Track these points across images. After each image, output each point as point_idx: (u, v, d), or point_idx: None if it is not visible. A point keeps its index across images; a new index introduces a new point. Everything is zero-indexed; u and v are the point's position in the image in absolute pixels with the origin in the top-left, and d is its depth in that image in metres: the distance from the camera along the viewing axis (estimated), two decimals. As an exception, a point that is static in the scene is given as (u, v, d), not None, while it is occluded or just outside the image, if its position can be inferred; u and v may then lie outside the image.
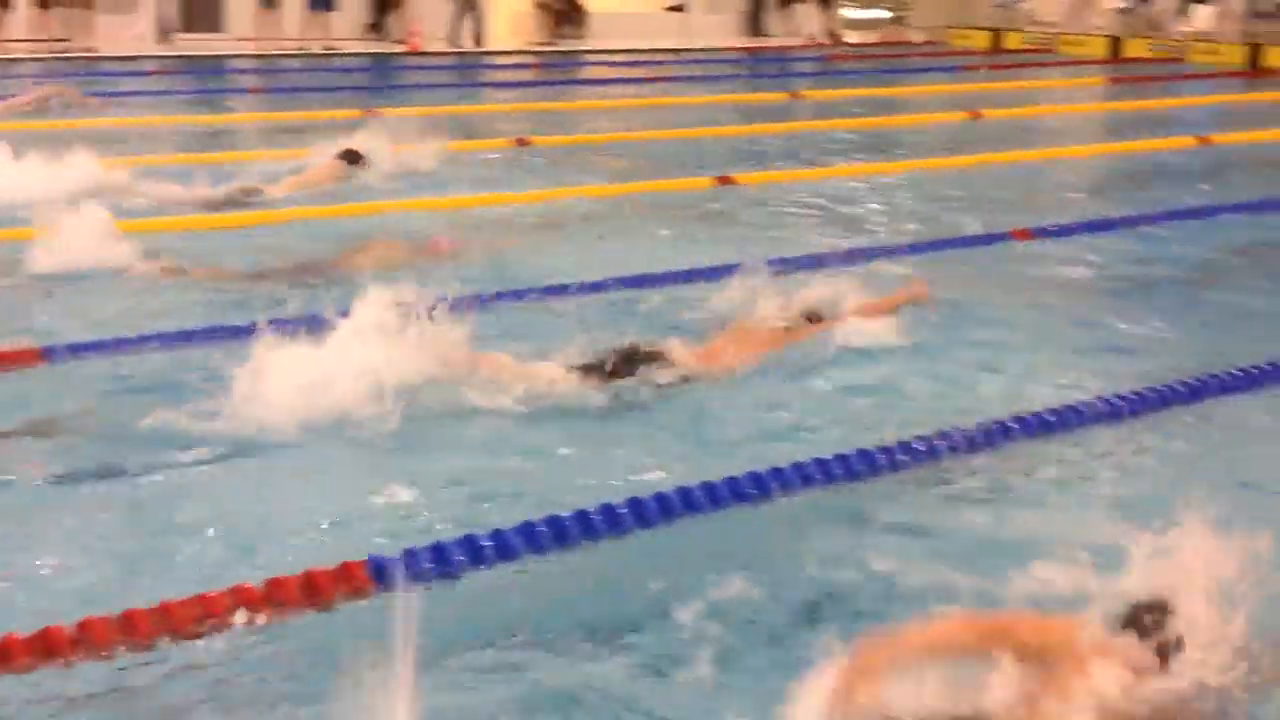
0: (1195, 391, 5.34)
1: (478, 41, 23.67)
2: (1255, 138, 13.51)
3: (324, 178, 9.55)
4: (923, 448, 4.65)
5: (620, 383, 5.32)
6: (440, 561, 3.74)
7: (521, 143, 12.15)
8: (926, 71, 21.85)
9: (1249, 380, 5.50)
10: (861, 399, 5.42)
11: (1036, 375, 5.67)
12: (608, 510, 4.03)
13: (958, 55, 25.28)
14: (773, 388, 5.43)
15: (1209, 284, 7.63)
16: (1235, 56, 23.38)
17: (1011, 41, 26.93)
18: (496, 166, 11.09)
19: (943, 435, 4.71)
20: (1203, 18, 26.66)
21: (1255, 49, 23.36)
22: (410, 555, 3.71)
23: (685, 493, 4.16)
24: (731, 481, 4.25)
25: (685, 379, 5.45)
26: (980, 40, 27.40)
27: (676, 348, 5.60)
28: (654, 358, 5.47)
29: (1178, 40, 24.93)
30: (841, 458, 4.50)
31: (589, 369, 5.36)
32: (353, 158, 9.65)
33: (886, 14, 28.39)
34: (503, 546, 3.83)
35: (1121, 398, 5.16)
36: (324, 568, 3.62)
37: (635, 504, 4.07)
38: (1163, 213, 9.26)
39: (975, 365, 5.80)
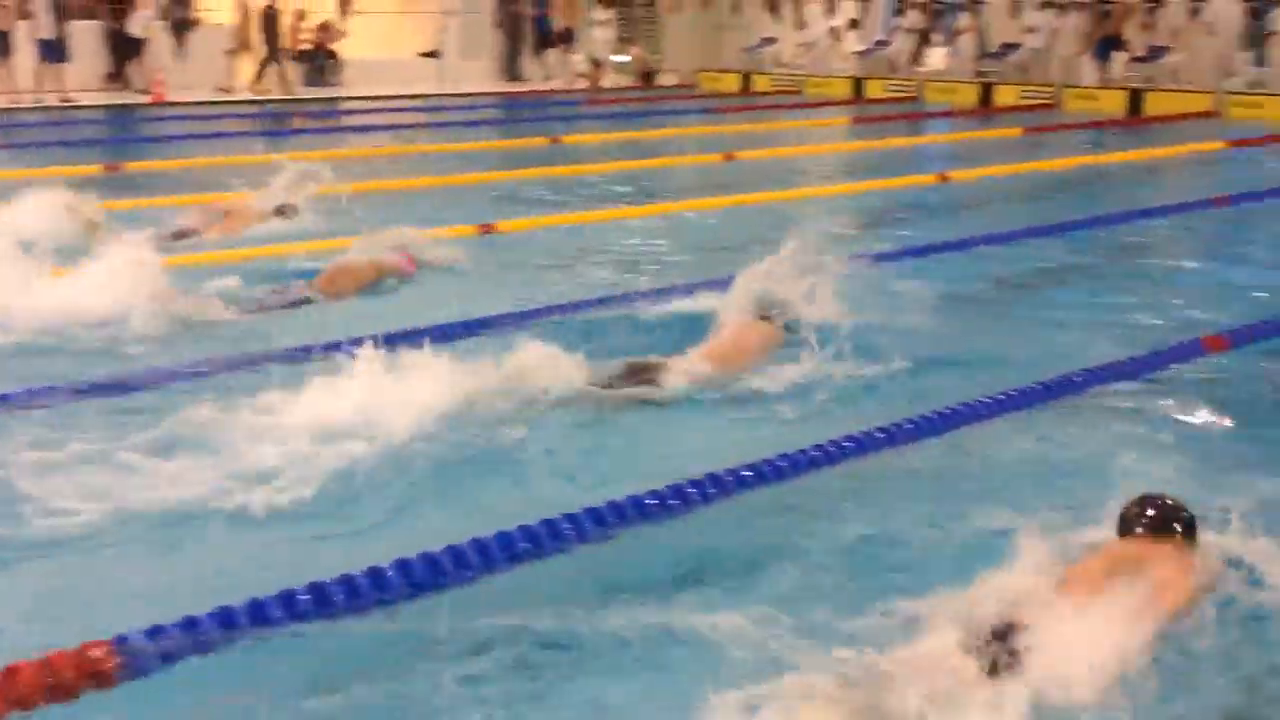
0: (946, 419, 5.57)
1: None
2: (990, 172, 14.25)
3: (249, 222, 9.76)
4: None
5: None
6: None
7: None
8: (681, 114, 22.33)
9: (997, 406, 5.78)
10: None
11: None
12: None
13: (710, 98, 25.95)
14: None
15: (963, 313, 7.94)
16: (970, 95, 24.69)
17: (760, 84, 27.79)
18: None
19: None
20: (937, 59, 28.07)
21: (987, 88, 24.73)
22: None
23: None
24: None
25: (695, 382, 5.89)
26: (730, 83, 28.19)
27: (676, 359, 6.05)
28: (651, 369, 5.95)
29: (915, 80, 26.19)
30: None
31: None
32: (283, 210, 10.03)
33: (639, 56, 28.85)
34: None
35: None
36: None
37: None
38: (909, 248, 9.62)
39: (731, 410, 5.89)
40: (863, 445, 5.22)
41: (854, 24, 28.75)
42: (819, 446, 5.09)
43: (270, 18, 23.88)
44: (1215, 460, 4.83)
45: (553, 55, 27.75)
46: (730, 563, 4.26)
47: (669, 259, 9.52)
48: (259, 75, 23.94)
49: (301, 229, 9.63)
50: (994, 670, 3.37)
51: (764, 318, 6.42)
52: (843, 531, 4.47)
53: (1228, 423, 5.31)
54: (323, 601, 3.74)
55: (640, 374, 5.98)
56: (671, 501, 4.54)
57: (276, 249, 8.95)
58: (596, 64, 27.81)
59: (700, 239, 10.32)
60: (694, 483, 4.62)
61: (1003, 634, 3.46)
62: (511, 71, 27.70)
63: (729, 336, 6.34)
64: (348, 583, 3.81)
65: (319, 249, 8.58)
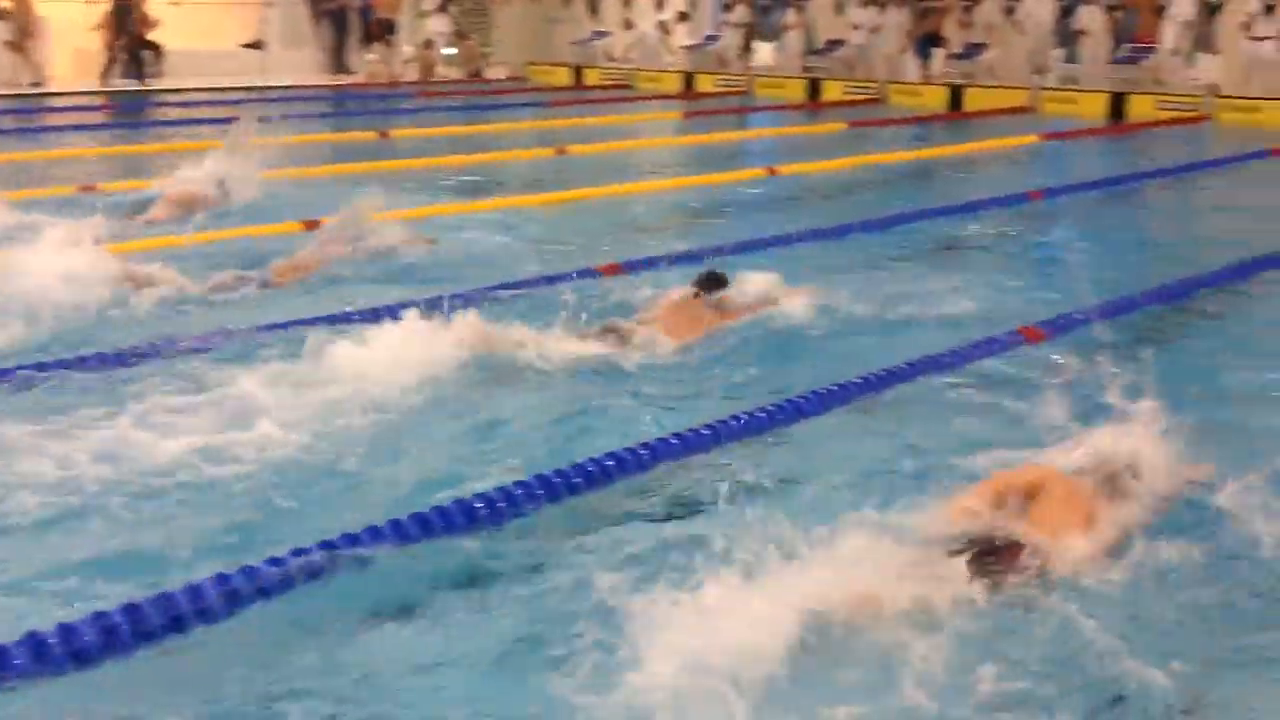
0: (771, 416, 5.63)
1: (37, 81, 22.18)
2: (816, 167, 14.48)
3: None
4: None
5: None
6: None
7: (87, 189, 11.44)
8: (512, 108, 22.21)
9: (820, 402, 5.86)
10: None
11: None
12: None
13: (540, 91, 25.86)
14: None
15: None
16: (798, 91, 25.10)
17: (591, 78, 27.82)
18: (61, 213, 10.21)
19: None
20: (766, 54, 28.49)
21: (814, 84, 25.16)
22: None
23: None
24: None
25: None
26: (561, 77, 28.15)
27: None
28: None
29: (745, 76, 26.51)
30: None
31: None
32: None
33: (468, 49, 28.60)
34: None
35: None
36: None
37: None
38: (742, 242, 9.69)
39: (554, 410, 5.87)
40: (688, 444, 5.25)
41: (683, 17, 28.97)
42: (645, 445, 5.12)
43: (122, 8, 23.08)
44: (1034, 447, 4.97)
45: (378, 48, 27.32)
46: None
47: (500, 255, 9.42)
48: (107, 69, 23.16)
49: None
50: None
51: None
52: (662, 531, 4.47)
53: (1044, 410, 5.47)
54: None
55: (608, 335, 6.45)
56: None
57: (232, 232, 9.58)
58: (427, 56, 27.48)
59: (532, 234, 10.24)
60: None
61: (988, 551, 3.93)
62: (338, 64, 27.19)
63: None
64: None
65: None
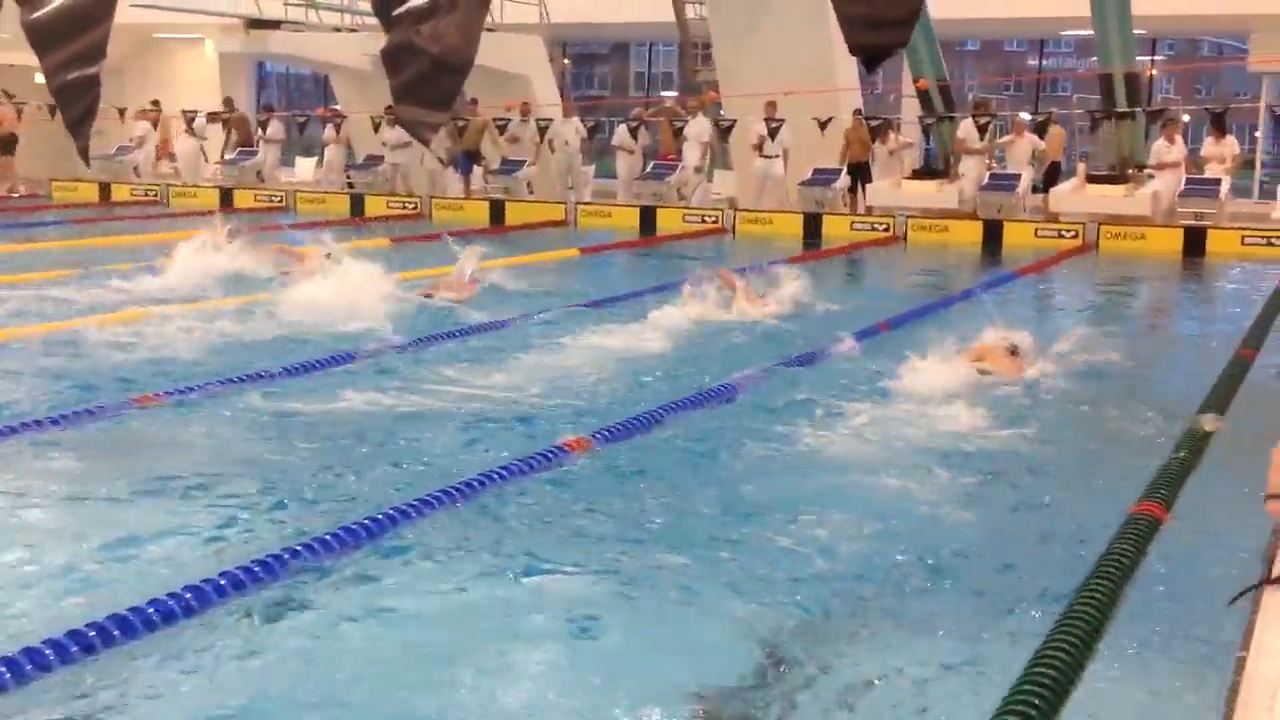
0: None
1: None
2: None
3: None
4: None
5: None
6: None
7: None
8: (33, 226, 20.74)
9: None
10: None
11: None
12: None
13: (65, 209, 24.34)
14: None
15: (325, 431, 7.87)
16: (340, 205, 24.97)
17: (121, 194, 26.52)
18: None
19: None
20: (305, 169, 28.19)
21: (358, 198, 25.14)
22: None
23: None
24: None
25: None
26: (88, 193, 26.66)
27: None
28: None
29: (284, 190, 26.11)
30: None
31: None
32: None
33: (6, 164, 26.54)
34: None
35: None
36: None
37: None
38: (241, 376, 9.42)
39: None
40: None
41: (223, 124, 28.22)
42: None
43: None
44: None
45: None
46: None
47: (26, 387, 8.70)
48: None
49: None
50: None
51: None
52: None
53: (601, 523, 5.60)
54: None
55: None
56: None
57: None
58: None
59: (47, 364, 9.51)
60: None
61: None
62: None
63: None
64: None
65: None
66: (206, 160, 28.29)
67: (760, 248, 19.71)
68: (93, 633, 4.47)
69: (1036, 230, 21.15)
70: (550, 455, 7.01)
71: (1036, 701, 3.78)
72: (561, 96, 28.59)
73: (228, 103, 28.77)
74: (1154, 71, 32.76)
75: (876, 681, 4.43)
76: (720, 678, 4.41)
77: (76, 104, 9.66)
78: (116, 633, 4.51)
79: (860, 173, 23.28)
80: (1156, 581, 5.20)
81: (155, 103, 28.74)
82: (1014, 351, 9.75)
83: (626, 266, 18.46)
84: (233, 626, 4.75)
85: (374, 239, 19.15)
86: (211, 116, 28.10)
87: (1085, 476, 7.23)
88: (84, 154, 11.13)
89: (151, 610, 4.67)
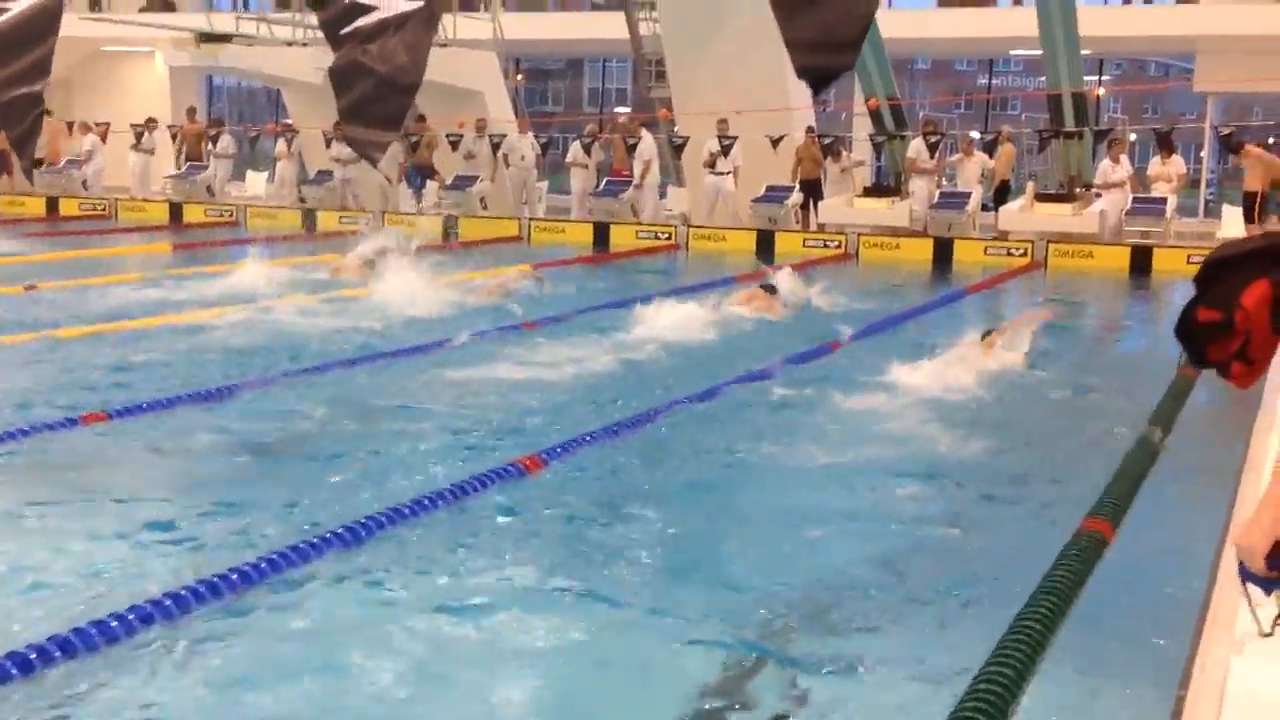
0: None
1: None
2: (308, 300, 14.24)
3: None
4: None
5: None
6: None
7: None
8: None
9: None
10: None
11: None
12: None
13: (8, 224, 24.03)
14: None
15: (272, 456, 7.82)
16: (293, 220, 24.82)
17: (68, 208, 26.24)
18: None
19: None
20: (256, 184, 28.01)
21: (310, 213, 25.02)
22: None
23: None
24: None
25: None
26: (34, 207, 26.35)
27: None
28: None
29: (235, 205, 25.93)
30: None
31: None
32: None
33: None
34: None
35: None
36: None
37: None
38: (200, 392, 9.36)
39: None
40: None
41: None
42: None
43: None
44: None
45: None
46: None
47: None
48: None
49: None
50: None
51: None
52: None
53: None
54: None
55: None
56: None
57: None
58: None
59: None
60: None
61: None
62: None
63: None
64: None
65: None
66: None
67: (713, 264, 19.76)
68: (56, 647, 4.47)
69: (986, 248, 21.35)
70: (504, 473, 7.00)
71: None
72: (516, 113, 28.57)
73: (191, 112, 28.63)
74: (1101, 91, 33.19)
75: (844, 686, 4.47)
76: (695, 684, 4.46)
77: (20, 122, 9.58)
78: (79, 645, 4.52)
79: (812, 190, 23.42)
80: (1099, 598, 5.25)
81: (104, 123, 28.40)
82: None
83: (580, 281, 18.44)
84: (152, 660, 4.70)
85: (330, 254, 19.04)
86: (170, 128, 28.05)
87: (1031, 489, 7.31)
88: (28, 171, 10.96)
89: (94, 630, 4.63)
